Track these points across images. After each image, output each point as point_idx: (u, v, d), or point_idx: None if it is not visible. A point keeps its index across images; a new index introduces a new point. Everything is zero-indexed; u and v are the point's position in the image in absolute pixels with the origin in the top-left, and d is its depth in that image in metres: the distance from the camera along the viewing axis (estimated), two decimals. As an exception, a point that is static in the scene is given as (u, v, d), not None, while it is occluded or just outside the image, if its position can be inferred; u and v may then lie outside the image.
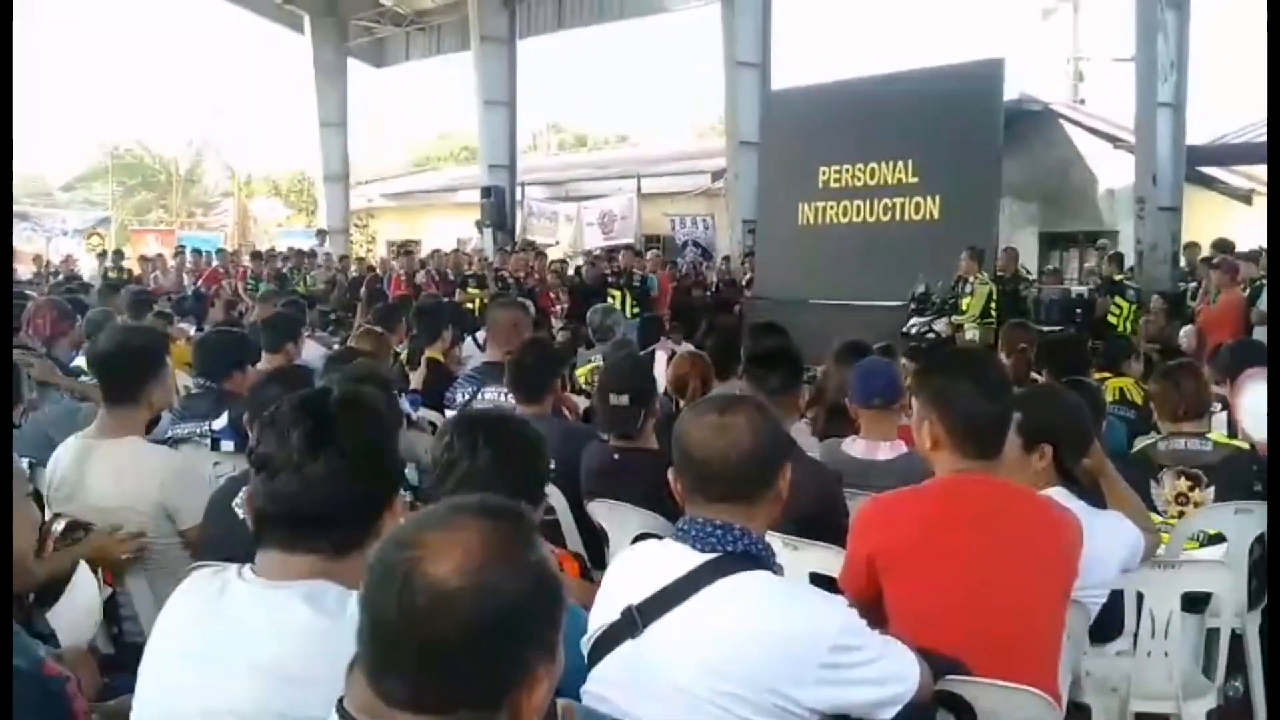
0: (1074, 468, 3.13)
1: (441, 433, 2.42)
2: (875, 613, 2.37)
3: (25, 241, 24.40)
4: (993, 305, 11.40)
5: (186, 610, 1.87)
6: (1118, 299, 11.90)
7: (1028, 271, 13.50)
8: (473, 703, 1.23)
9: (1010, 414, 2.65)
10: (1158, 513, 4.03)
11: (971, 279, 11.51)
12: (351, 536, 1.82)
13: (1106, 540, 2.80)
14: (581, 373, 6.36)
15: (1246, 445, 4.07)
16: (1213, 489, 3.99)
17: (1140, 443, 4.43)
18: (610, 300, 13.57)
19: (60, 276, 16.89)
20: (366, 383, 2.93)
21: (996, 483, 2.54)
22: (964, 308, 11.46)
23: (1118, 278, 12.30)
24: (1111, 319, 11.71)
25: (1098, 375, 5.60)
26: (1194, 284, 11.99)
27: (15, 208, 27.72)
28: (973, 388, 2.55)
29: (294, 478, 1.81)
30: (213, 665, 1.74)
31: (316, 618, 1.73)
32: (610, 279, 14.79)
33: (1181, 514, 4.00)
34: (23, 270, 18.24)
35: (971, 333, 11.21)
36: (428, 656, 1.22)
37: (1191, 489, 4.03)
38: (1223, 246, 12.63)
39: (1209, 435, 4.10)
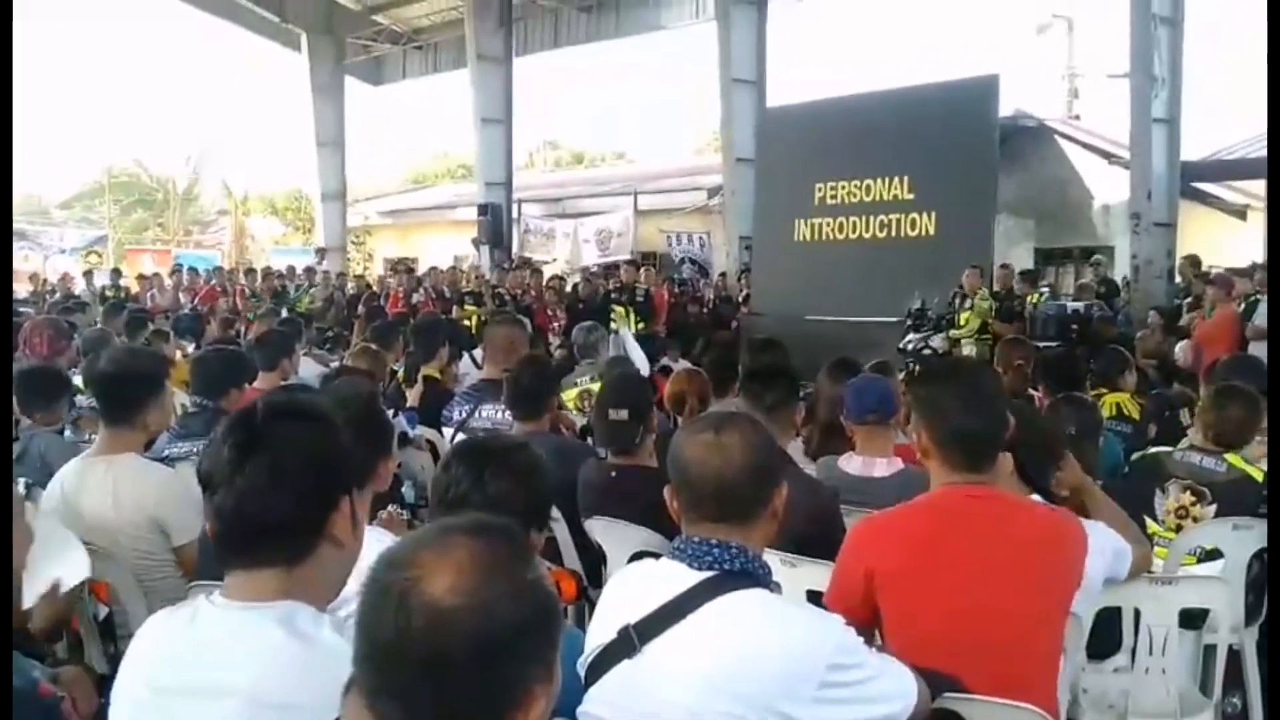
0: (1047, 479, 3.09)
1: (444, 464, 2.38)
2: (866, 632, 2.36)
3: (23, 260, 24.44)
4: (990, 322, 11.42)
5: (159, 640, 1.84)
6: None
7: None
8: None
9: (1000, 427, 2.60)
10: (1157, 521, 4.02)
11: (974, 295, 11.53)
12: (299, 545, 1.78)
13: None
14: (569, 396, 6.26)
15: (1260, 475, 4.00)
16: (1214, 507, 3.97)
17: (1155, 449, 4.39)
18: (614, 316, 13.57)
19: (57, 295, 16.90)
20: (351, 400, 2.92)
21: (992, 495, 2.53)
22: (961, 322, 11.47)
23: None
24: None
25: (1093, 391, 5.60)
26: (1188, 299, 12.02)
27: (13, 226, 27.81)
28: (958, 400, 2.54)
29: (229, 492, 1.76)
30: (191, 695, 1.71)
31: (291, 640, 1.70)
32: (614, 295, 14.77)
33: (1179, 527, 3.99)
34: (20, 289, 18.23)
35: (969, 348, 11.24)
36: (425, 677, 1.21)
37: (1194, 504, 4.01)
38: (1194, 263, 12.71)
39: (1226, 456, 4.04)
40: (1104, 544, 2.72)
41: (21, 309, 12.21)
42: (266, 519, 1.75)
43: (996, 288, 12.31)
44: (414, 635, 1.21)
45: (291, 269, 19.84)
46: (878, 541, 2.59)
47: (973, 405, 2.54)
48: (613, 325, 12.98)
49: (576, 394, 6.26)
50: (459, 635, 1.21)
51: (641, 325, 13.80)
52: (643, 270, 15.68)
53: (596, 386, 5.06)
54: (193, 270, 20.12)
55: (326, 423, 1.87)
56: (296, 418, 1.85)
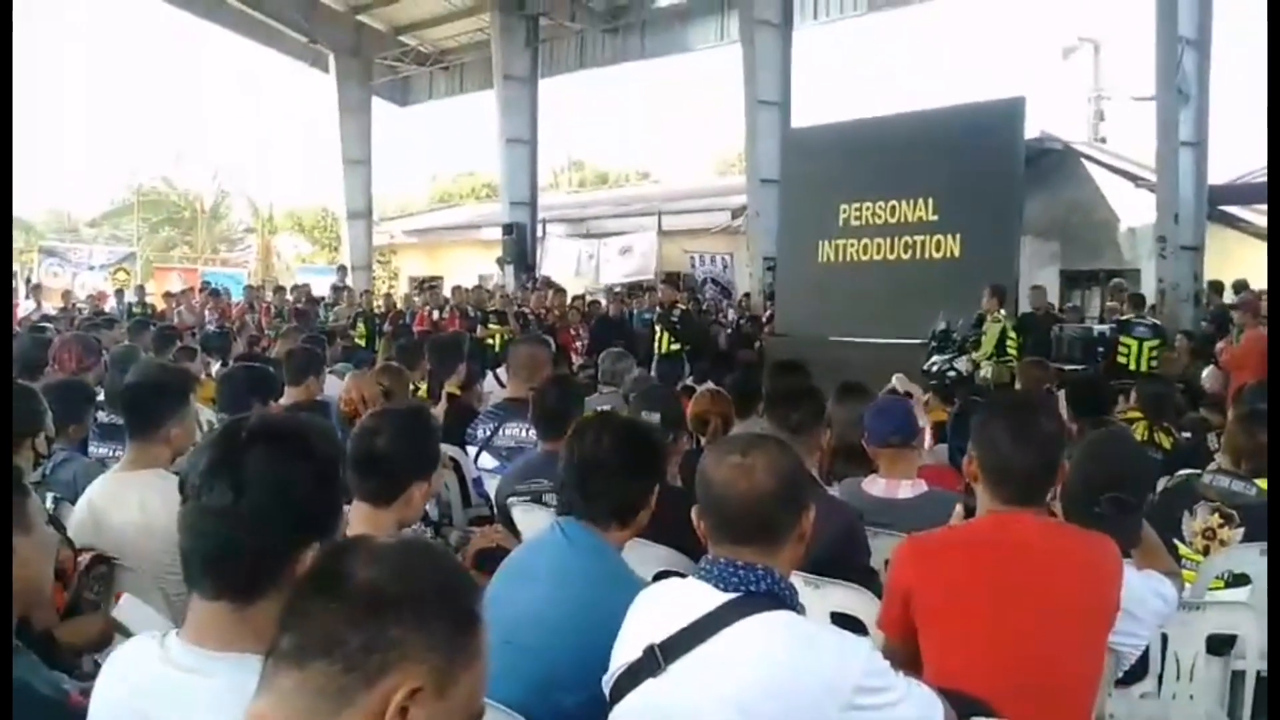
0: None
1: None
2: (917, 652, 2.35)
3: (51, 276, 24.70)
4: (1009, 343, 11.30)
5: (117, 695, 1.69)
6: (1124, 338, 11.63)
7: (1053, 308, 13.45)
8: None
9: (1050, 467, 2.55)
10: (1184, 543, 3.99)
11: (989, 317, 11.46)
12: (249, 582, 1.64)
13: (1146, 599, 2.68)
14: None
15: None
16: (1242, 530, 3.95)
17: (1185, 471, 4.35)
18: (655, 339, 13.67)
19: (87, 312, 17.04)
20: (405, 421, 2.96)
21: (1036, 523, 2.51)
22: (983, 344, 11.38)
23: (1124, 317, 11.98)
24: (1120, 359, 11.41)
25: (1130, 414, 5.54)
26: (1213, 326, 11.93)
27: (42, 243, 28.19)
28: (1008, 434, 2.52)
29: (194, 508, 1.66)
30: None
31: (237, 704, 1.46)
32: (657, 315, 14.77)
33: (1207, 549, 3.96)
34: (49, 307, 18.41)
35: (986, 370, 11.11)
36: (318, 602, 1.26)
37: (1222, 526, 3.99)
38: (1218, 289, 12.60)
39: (1257, 481, 4.01)
40: (1159, 589, 2.70)
41: (56, 326, 12.32)
42: (219, 543, 1.64)
43: (1030, 309, 12.21)
44: (328, 573, 1.28)
45: (306, 288, 19.73)
46: (915, 564, 2.58)
47: (1022, 442, 2.51)
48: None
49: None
50: (361, 573, 1.25)
51: (675, 347, 13.70)
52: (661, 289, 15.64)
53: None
54: (215, 292, 19.91)
55: (313, 455, 1.72)
56: (282, 443, 1.70)
